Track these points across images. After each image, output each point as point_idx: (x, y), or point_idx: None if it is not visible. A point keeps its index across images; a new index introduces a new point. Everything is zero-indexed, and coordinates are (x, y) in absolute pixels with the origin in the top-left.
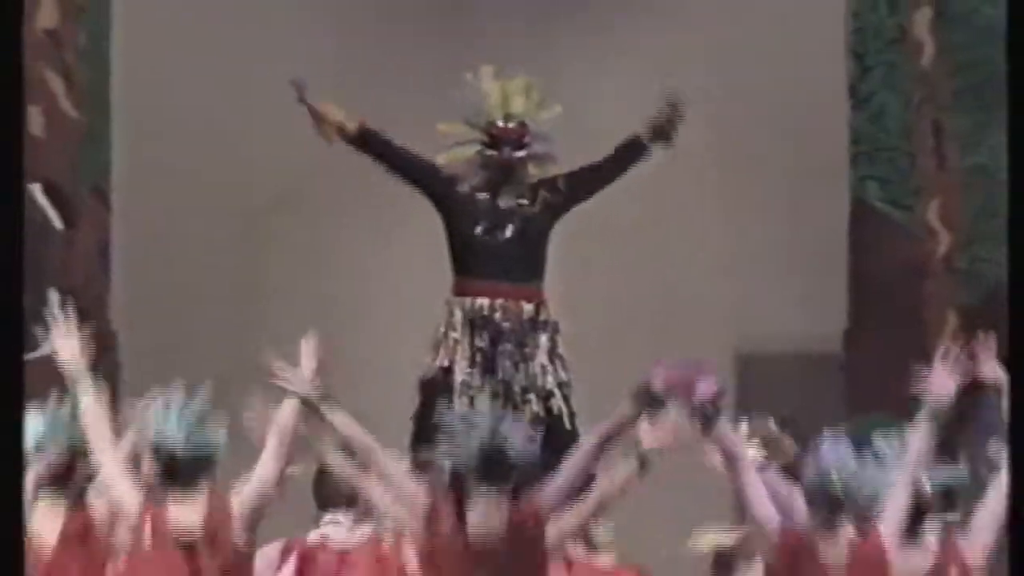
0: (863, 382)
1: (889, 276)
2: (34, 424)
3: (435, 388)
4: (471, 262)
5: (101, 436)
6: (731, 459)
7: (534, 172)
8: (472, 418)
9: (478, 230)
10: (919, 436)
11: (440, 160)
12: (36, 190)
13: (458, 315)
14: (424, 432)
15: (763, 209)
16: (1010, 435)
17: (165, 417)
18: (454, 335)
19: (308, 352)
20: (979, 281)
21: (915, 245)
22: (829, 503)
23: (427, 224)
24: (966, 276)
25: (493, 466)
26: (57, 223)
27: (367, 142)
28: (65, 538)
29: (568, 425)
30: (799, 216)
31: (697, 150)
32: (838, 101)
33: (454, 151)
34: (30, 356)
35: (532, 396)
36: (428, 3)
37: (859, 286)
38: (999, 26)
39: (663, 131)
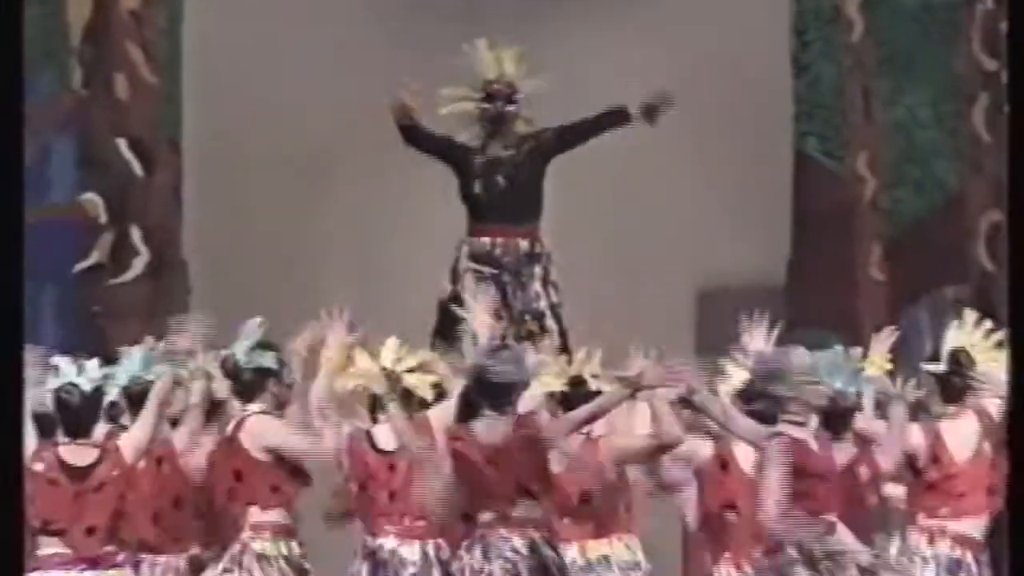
0: (804, 305)
1: (825, 215)
2: (130, 360)
3: (449, 309)
4: (477, 210)
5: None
6: (709, 414)
7: (522, 128)
8: (480, 349)
9: (477, 185)
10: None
11: (443, 111)
12: (122, 144)
13: (466, 251)
14: (441, 343)
15: (722, 162)
16: (1010, 434)
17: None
18: (464, 267)
19: (339, 327)
20: (899, 218)
21: (846, 189)
22: (777, 399)
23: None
24: (888, 214)
25: (492, 389)
26: (138, 171)
27: (416, 137)
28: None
29: (559, 342)
30: (751, 167)
31: (680, 109)
32: (783, 70)
33: (456, 105)
34: (120, 279)
35: (528, 317)
36: None
37: (800, 224)
38: (915, 7)
39: (651, 115)
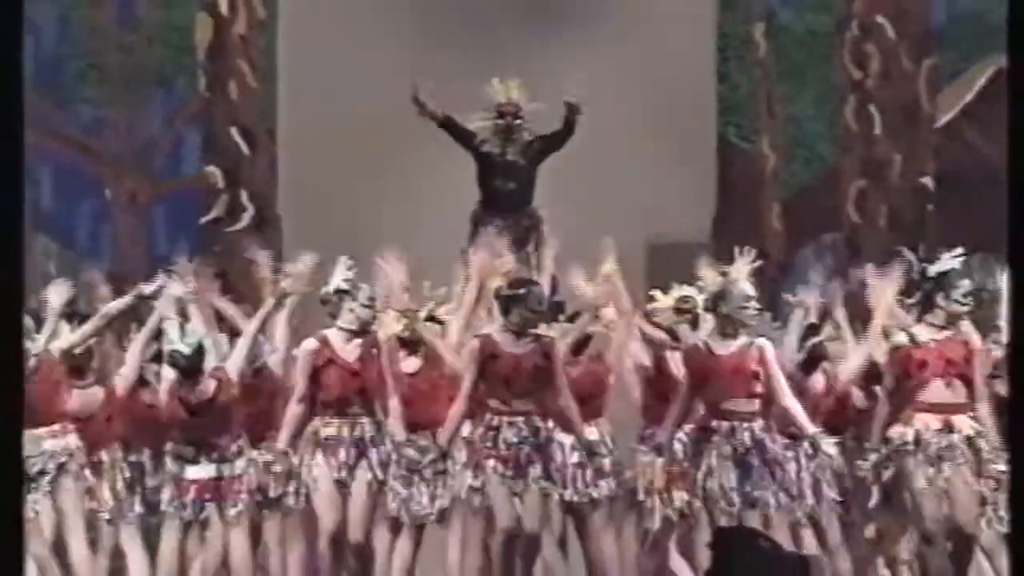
0: (726, 250)
1: (740, 183)
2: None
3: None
4: (491, 198)
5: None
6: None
7: (526, 136)
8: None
9: (495, 181)
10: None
11: (473, 127)
12: (233, 131)
13: (483, 225)
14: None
15: (666, 144)
16: (1010, 434)
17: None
18: (481, 228)
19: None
20: (792, 185)
21: (755, 164)
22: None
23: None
24: (785, 182)
25: (521, 319)
26: (246, 150)
27: (449, 126)
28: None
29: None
30: (687, 148)
31: (624, 109)
32: (709, 79)
33: (481, 123)
34: (233, 228)
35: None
36: (470, 30)
37: (722, 190)
38: (803, 34)
39: (570, 120)
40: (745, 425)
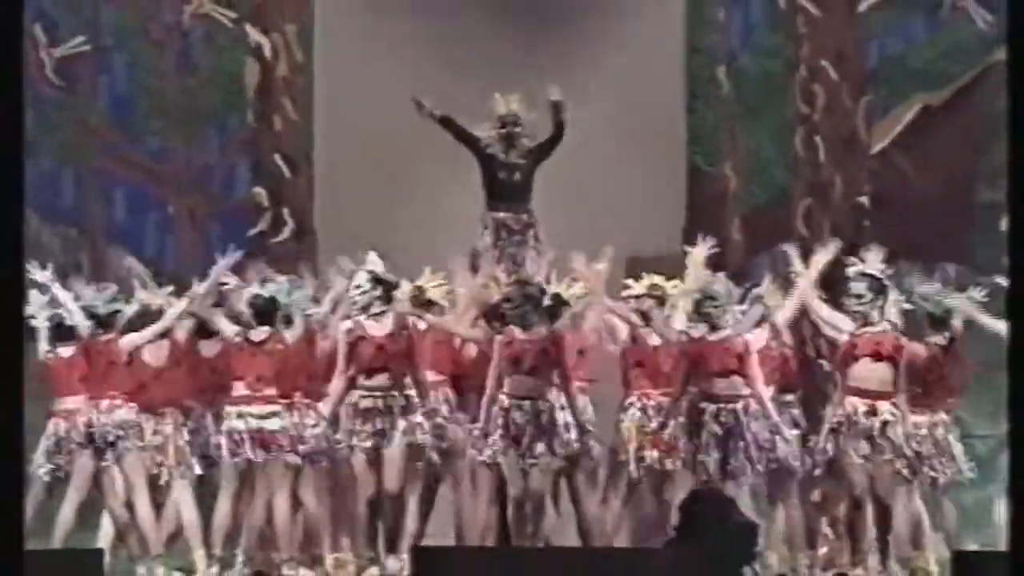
0: (707, 227)
1: (706, 202)
2: (279, 286)
3: (478, 255)
4: (496, 196)
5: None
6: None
7: (526, 143)
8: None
9: (499, 180)
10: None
11: (479, 135)
12: (277, 157)
13: (489, 221)
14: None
15: (644, 167)
16: (1011, 430)
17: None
18: (486, 230)
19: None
20: (750, 204)
21: (719, 185)
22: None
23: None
24: (744, 201)
25: (524, 313)
26: (287, 174)
27: (447, 123)
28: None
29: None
30: (661, 171)
31: (606, 138)
32: (680, 113)
33: (487, 132)
34: (276, 240)
35: (525, 264)
36: (479, 49)
37: (691, 207)
38: (759, 75)
39: (559, 122)
40: (730, 406)
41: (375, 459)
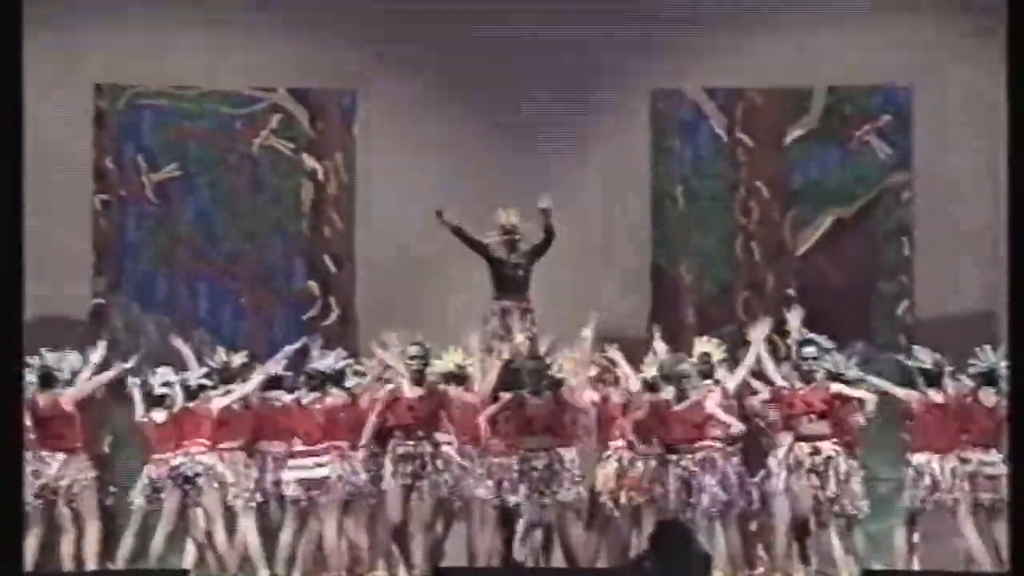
0: (668, 313)
1: (667, 294)
2: (326, 358)
3: (488, 335)
4: (501, 289)
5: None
6: None
7: (524, 246)
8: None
9: (503, 277)
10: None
11: (487, 241)
12: (326, 257)
13: (496, 308)
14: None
15: (614, 270)
16: (1011, 432)
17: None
18: (494, 316)
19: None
20: (701, 295)
21: (677, 282)
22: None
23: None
24: (696, 293)
25: (534, 383)
26: (334, 271)
27: (460, 232)
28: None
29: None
30: (629, 272)
31: (585, 244)
32: (646, 224)
33: (493, 238)
34: (325, 323)
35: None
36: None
37: (655, 299)
38: (709, 193)
39: (548, 228)
40: (689, 456)
41: (407, 496)
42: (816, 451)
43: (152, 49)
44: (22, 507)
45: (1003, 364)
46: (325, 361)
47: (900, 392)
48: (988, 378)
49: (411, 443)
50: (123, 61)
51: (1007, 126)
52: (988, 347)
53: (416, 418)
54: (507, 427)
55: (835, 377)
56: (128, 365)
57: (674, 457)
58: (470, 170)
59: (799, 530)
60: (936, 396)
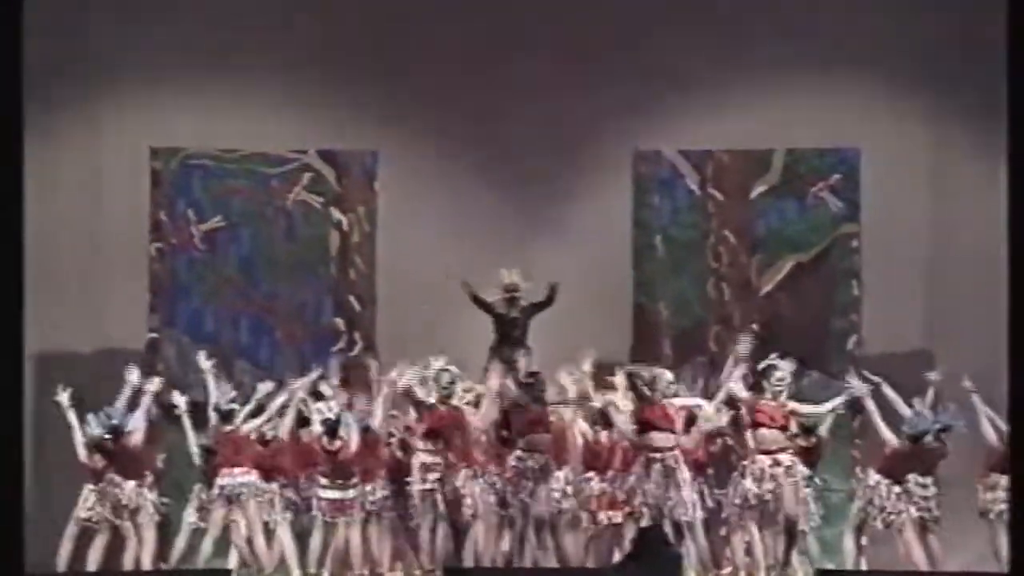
0: (648, 346)
1: (646, 329)
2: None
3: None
4: (504, 340)
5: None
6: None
7: (524, 302)
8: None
9: (506, 331)
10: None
11: (491, 300)
12: (351, 298)
13: (498, 355)
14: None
15: (600, 307)
16: (1011, 432)
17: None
18: (495, 358)
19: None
20: (677, 330)
21: (656, 317)
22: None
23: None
24: (673, 328)
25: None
26: (358, 309)
27: (474, 297)
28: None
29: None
30: (615, 307)
31: (579, 284)
32: (628, 268)
33: (496, 298)
34: (350, 355)
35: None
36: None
37: (636, 333)
38: (684, 240)
39: (551, 295)
40: (665, 461)
41: (432, 501)
42: (776, 463)
43: (200, 116)
44: (22, 507)
45: (936, 428)
46: (337, 413)
47: (885, 433)
48: (915, 439)
49: (435, 451)
50: (175, 128)
51: (1007, 126)
52: (925, 411)
53: (438, 432)
54: (510, 432)
55: (791, 398)
56: (180, 402)
57: (656, 456)
58: (474, 220)
59: (788, 531)
60: (893, 441)
